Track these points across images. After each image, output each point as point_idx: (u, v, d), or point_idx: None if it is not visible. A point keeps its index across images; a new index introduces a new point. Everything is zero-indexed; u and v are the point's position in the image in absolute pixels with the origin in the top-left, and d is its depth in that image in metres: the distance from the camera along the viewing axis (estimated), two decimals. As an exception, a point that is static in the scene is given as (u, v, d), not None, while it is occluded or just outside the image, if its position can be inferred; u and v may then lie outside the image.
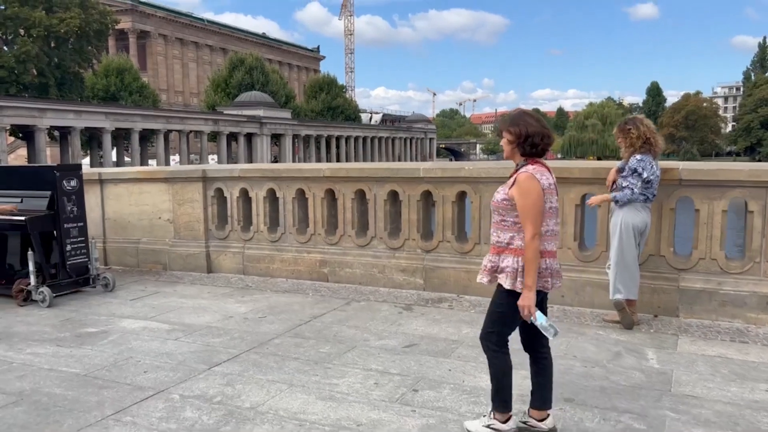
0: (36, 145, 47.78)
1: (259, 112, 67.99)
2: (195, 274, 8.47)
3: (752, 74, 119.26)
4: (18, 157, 57.72)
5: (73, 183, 7.49)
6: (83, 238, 7.61)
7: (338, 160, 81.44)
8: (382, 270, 7.28)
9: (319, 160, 79.66)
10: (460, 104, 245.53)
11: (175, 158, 62.94)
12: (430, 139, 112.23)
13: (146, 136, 58.28)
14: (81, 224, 7.60)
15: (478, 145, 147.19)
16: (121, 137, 56.58)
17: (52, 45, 54.69)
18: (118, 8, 77.45)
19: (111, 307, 6.92)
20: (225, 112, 66.25)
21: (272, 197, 8.13)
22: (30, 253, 7.04)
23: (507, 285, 3.39)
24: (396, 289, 7.17)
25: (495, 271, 3.47)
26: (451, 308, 6.39)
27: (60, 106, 48.45)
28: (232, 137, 66.77)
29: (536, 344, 3.59)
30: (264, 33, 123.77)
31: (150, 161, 59.88)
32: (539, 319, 3.36)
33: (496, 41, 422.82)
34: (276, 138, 72.53)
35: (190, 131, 61.61)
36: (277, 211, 8.14)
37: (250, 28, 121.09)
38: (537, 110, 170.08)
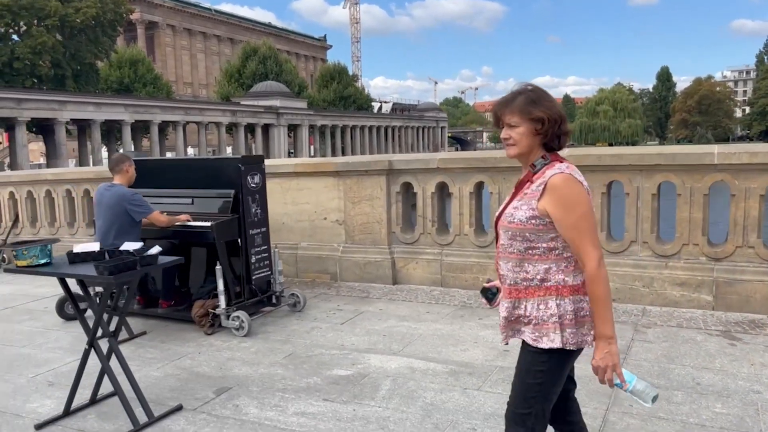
0: (56, 138, 46.29)
1: (276, 103, 66.36)
2: (378, 285, 7.06)
3: (765, 57, 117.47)
4: (31, 152, 56.11)
5: (257, 179, 6.06)
6: (266, 247, 6.20)
7: (353, 150, 79.90)
8: (648, 284, 5.85)
9: (334, 150, 78.11)
10: (462, 92, 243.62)
11: (189, 151, 61.42)
12: (442, 127, 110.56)
13: (163, 128, 56.72)
14: (264, 230, 6.18)
15: (484, 134, 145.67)
16: (137, 130, 54.99)
17: (67, 36, 52.90)
18: (126, -2, 75.49)
19: (326, 334, 5.51)
20: (242, 102, 64.54)
21: (479, 193, 6.71)
22: (218, 268, 5.62)
23: (555, 343, 2.30)
24: (670, 307, 5.76)
25: (519, 322, 2.39)
26: (789, 335, 4.97)
27: (80, 99, 46.94)
28: (249, 128, 65.16)
29: (568, 410, 2.58)
30: (269, 23, 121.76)
31: (167, 154, 58.47)
32: (631, 380, 2.26)
33: (495, 29, 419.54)
34: (291, 128, 70.93)
35: (209, 123, 60.06)
36: (482, 210, 6.73)
37: (250, 18, 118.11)
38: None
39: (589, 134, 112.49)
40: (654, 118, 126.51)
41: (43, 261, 3.82)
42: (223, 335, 5.58)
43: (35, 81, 52.11)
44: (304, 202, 7.55)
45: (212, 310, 5.68)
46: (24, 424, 3.97)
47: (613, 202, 6.30)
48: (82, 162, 52.00)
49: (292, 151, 72.36)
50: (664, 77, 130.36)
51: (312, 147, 75.05)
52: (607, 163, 5.99)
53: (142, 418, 3.88)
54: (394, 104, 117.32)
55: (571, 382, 2.55)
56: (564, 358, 2.34)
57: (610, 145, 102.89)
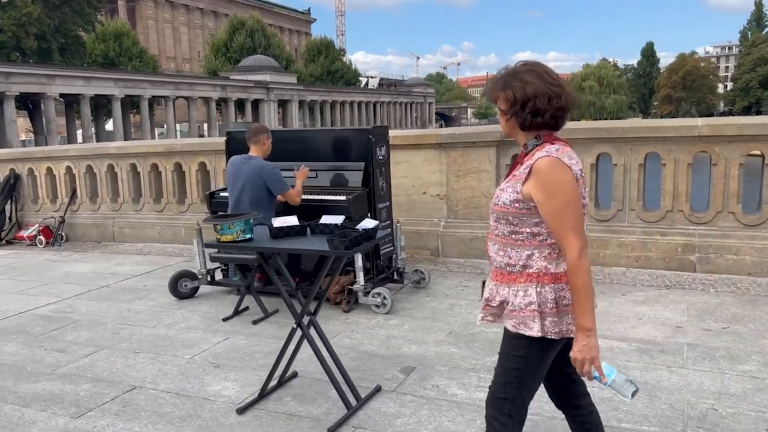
0: (45, 114, 45.10)
1: (266, 77, 65.30)
2: (486, 261, 6.83)
3: (749, 33, 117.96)
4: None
5: (383, 151, 5.81)
6: (390, 222, 5.98)
7: (341, 126, 79.13)
8: (791, 255, 5.73)
9: (323, 125, 77.26)
10: (444, 68, 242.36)
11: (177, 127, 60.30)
12: (429, 103, 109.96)
13: (150, 103, 55.49)
14: (388, 204, 5.96)
15: (469, 110, 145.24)
16: (125, 105, 53.71)
17: (51, 6, 51.21)
18: (107, -31, 73.30)
19: (471, 311, 5.32)
20: (231, 77, 63.36)
21: (597, 165, 6.52)
22: (356, 243, 5.36)
23: (533, 331, 2.23)
24: (815, 279, 5.65)
25: (501, 308, 2.34)
26: None
27: (69, 72, 45.64)
28: (238, 104, 64.05)
29: (572, 394, 2.52)
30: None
31: (156, 130, 57.53)
32: (609, 374, 2.18)
33: (476, 3, 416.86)
34: (281, 104, 69.95)
35: (198, 98, 58.92)
36: (604, 182, 6.55)
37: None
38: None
39: (575, 110, 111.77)
40: (638, 94, 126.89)
41: (248, 236, 3.55)
42: (363, 313, 5.36)
43: (19, 55, 50.56)
44: (401, 176, 7.28)
45: (348, 286, 5.45)
46: (220, 408, 3.74)
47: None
48: (70, 139, 50.88)
49: (281, 126, 71.44)
50: (649, 53, 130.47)
51: (301, 123, 74.18)
52: (748, 133, 5.82)
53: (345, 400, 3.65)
54: (381, 79, 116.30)
55: (568, 365, 2.36)
56: (545, 346, 2.27)
57: (595, 120, 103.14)
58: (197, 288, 6.11)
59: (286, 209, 5.56)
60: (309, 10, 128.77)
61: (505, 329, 2.34)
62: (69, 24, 52.67)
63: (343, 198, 5.44)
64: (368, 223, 3.55)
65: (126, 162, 9.06)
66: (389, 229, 5.94)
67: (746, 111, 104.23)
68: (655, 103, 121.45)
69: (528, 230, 2.23)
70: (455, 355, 4.39)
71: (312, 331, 3.76)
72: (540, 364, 2.33)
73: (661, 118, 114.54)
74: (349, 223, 3.75)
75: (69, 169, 9.54)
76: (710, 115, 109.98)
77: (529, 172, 2.18)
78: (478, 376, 4.04)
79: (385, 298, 5.31)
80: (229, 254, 5.28)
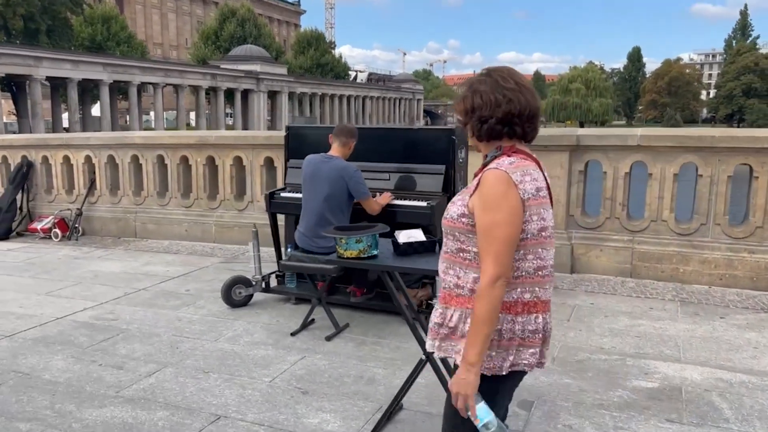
0: (31, 97, 43.89)
1: (256, 68, 64.38)
2: (556, 274, 6.40)
3: (734, 42, 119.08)
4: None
5: (463, 153, 5.34)
6: (465, 230, 5.47)
7: (331, 120, 78.38)
8: None
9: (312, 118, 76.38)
10: (431, 65, 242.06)
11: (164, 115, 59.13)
12: (418, 99, 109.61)
13: (137, 90, 54.30)
14: (465, 211, 5.45)
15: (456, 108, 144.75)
16: (112, 91, 52.49)
17: (39, -13, 49.88)
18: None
19: (565, 332, 4.87)
20: (221, 66, 62.29)
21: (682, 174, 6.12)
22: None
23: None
24: None
25: (451, 333, 2.05)
26: None
27: (56, 55, 44.44)
28: (227, 94, 62.99)
29: None
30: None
31: (143, 117, 56.38)
32: (483, 417, 1.92)
33: (463, 1, 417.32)
34: (270, 95, 69.02)
35: (188, 86, 57.81)
36: (683, 193, 6.14)
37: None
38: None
39: (561, 112, 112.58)
40: (623, 98, 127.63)
41: (374, 252, 3.06)
42: (444, 331, 4.88)
43: (5, 35, 49.17)
44: (460, 179, 6.81)
45: (430, 301, 4.97)
46: (329, 449, 3.24)
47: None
48: (55, 123, 49.67)
49: (269, 118, 70.47)
50: (635, 57, 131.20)
51: (290, 115, 73.27)
52: None
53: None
54: (369, 74, 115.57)
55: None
56: (490, 383, 2.00)
57: (581, 124, 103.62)
58: (251, 296, 5.59)
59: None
60: (299, 1, 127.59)
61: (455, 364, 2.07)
62: (57, 5, 51.37)
63: (424, 204, 4.95)
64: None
65: (152, 153, 8.47)
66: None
67: (729, 118, 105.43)
68: (640, 108, 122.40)
69: (475, 249, 2.00)
70: (572, 387, 3.94)
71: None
72: (493, 398, 2.02)
73: (646, 122, 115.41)
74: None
75: (88, 158, 8.92)
76: (694, 121, 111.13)
77: (478, 184, 1.99)
78: (611, 415, 3.58)
79: (470, 315, 4.83)
80: (302, 263, 4.77)
